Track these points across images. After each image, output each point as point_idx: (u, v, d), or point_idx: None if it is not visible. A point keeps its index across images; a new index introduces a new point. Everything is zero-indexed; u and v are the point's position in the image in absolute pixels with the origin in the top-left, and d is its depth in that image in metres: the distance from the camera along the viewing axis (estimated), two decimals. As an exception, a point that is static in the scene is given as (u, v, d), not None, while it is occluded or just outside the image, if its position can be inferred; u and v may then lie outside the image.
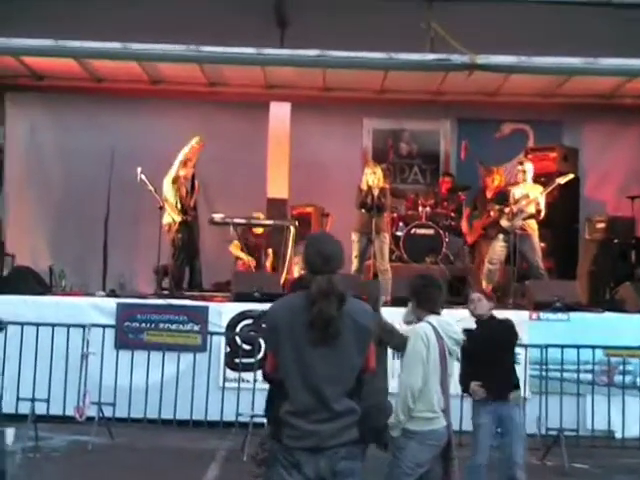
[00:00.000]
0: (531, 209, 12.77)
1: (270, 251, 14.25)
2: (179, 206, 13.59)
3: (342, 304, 4.71)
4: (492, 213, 13.15)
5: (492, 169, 14.01)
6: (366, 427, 4.86)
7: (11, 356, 10.07)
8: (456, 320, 6.47)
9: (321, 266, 4.76)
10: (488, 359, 7.52)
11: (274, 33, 14.81)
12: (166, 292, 13.10)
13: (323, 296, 4.68)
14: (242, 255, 14.07)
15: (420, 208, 14.95)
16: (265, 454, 6.67)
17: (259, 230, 14.15)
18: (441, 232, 14.64)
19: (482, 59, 12.58)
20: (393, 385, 8.57)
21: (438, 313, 6.29)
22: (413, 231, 14.70)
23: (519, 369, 10.85)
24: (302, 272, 13.42)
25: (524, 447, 7.74)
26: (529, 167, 13.14)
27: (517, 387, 7.78)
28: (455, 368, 6.53)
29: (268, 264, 14.20)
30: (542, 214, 12.76)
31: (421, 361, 6.00)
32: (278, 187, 14.64)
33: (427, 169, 16.76)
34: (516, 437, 7.58)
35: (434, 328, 6.12)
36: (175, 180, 13.57)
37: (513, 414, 7.61)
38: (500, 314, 11.39)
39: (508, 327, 7.92)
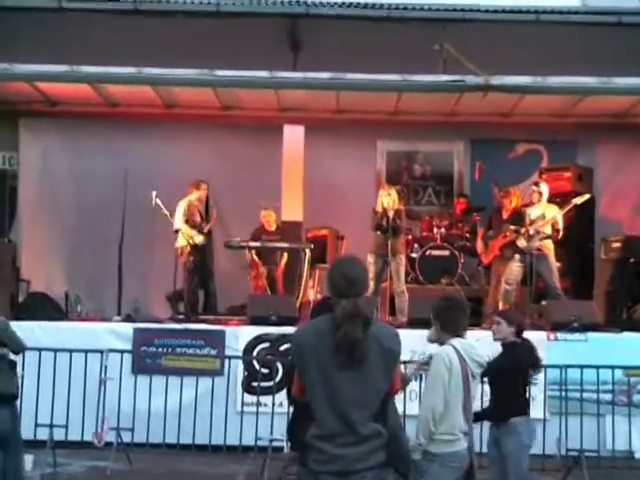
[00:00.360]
0: (548, 229, 12.78)
1: (282, 273, 14.28)
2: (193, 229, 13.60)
3: (367, 327, 4.71)
4: (508, 234, 13.14)
5: (509, 190, 14.01)
6: (393, 451, 4.87)
7: (29, 382, 10.04)
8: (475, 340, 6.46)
9: (346, 289, 4.77)
10: (503, 383, 7.48)
11: (287, 56, 14.88)
12: (182, 317, 13.12)
13: (348, 319, 4.68)
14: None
15: (435, 229, 14.98)
16: (290, 478, 6.70)
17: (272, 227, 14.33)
18: (456, 253, 14.66)
19: (496, 80, 12.61)
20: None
21: (462, 336, 6.27)
22: (428, 252, 14.72)
23: (537, 390, 10.99)
24: (319, 295, 13.58)
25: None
26: (544, 188, 13.15)
27: (522, 413, 7.53)
28: (478, 391, 6.49)
29: (279, 286, 14.23)
30: (560, 234, 12.76)
31: (442, 384, 5.98)
32: (293, 210, 14.69)
33: (441, 190, 16.78)
34: (502, 467, 7.45)
35: (457, 351, 6.09)
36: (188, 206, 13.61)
37: (505, 440, 7.45)
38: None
39: (529, 349, 7.85)
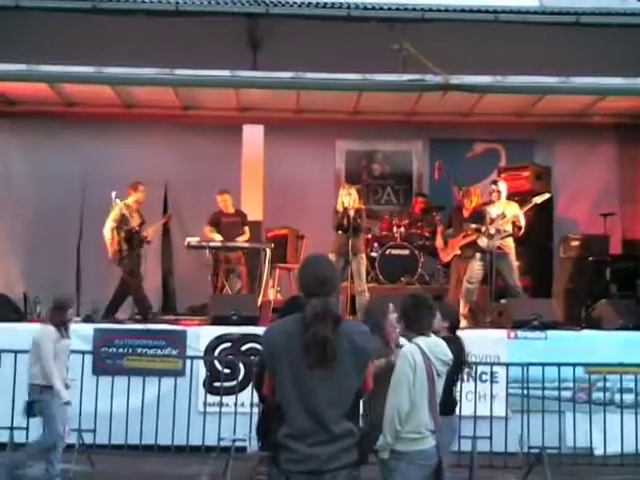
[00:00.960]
0: (509, 228, 12.85)
1: (244, 272, 14.22)
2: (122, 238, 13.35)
3: (337, 326, 4.73)
4: (469, 233, 13.20)
5: (469, 190, 14.05)
6: (365, 449, 4.88)
7: (-12, 384, 9.96)
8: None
9: (316, 288, 4.80)
10: None
11: (247, 55, 14.85)
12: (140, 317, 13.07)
13: (318, 319, 4.71)
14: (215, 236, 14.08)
15: (395, 229, 15.05)
16: (260, 478, 6.69)
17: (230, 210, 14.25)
18: (416, 252, 14.74)
19: (456, 79, 12.65)
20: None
21: (427, 334, 6.29)
22: (388, 252, 14.78)
23: (498, 388, 11.07)
24: (279, 295, 13.54)
25: None
26: (502, 186, 13.22)
27: (446, 413, 7.14)
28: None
29: (240, 285, 14.17)
30: (522, 231, 12.84)
31: (407, 383, 6.00)
32: (253, 209, 14.67)
33: (400, 190, 16.85)
34: None
35: (421, 350, 6.12)
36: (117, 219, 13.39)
37: None
38: (478, 333, 11.67)
39: (459, 347, 7.80)
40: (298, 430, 4.69)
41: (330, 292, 4.84)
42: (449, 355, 6.26)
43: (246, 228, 14.13)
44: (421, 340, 6.18)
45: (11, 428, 10.38)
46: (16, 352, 10.77)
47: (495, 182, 13.56)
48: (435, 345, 6.23)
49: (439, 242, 14.25)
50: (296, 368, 4.69)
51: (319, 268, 4.89)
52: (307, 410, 4.68)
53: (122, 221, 13.26)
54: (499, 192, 13.08)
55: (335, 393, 4.70)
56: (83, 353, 11.09)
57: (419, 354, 6.07)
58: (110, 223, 13.23)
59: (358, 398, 4.93)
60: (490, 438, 10.60)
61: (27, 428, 10.50)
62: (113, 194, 13.23)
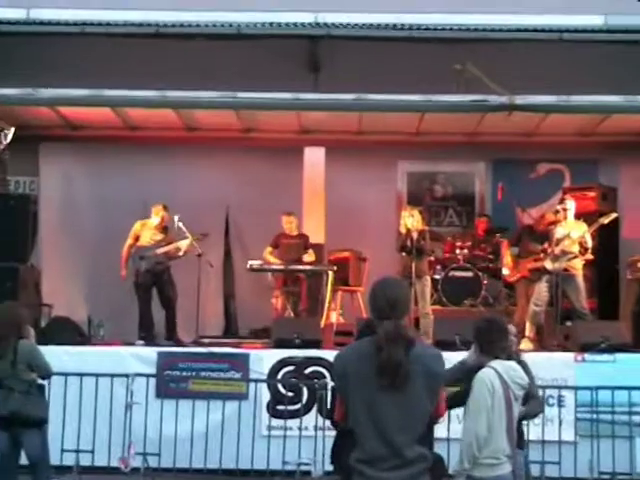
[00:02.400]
0: (575, 249, 12.71)
1: (305, 295, 14.20)
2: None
3: (410, 349, 4.69)
4: (542, 256, 12.98)
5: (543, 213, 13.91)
6: (437, 474, 4.83)
7: (55, 407, 9.99)
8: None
9: (388, 311, 4.76)
10: None
11: (308, 78, 14.87)
12: (206, 340, 13.10)
13: (391, 341, 4.67)
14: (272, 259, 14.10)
15: (457, 250, 14.97)
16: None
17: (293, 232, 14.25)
18: (479, 274, 14.63)
19: (520, 99, 12.55)
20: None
21: (501, 358, 6.22)
22: (451, 274, 14.70)
23: (567, 412, 10.91)
24: (341, 318, 13.52)
25: None
26: (571, 205, 13.05)
27: None
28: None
29: (302, 308, 14.15)
30: (589, 252, 12.69)
31: (485, 408, 5.94)
32: (315, 232, 14.67)
33: (462, 211, 16.75)
34: None
35: (499, 374, 6.05)
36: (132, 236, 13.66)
37: None
38: (544, 356, 11.53)
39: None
40: (370, 455, 4.65)
41: (402, 314, 4.80)
42: (525, 379, 6.19)
43: (309, 251, 14.11)
44: (497, 364, 6.12)
45: (77, 451, 10.45)
46: (81, 375, 10.86)
47: (562, 200, 13.42)
48: (511, 369, 6.17)
49: (506, 260, 14.08)
50: (368, 392, 4.66)
51: (391, 290, 4.85)
52: (379, 434, 4.64)
53: (135, 239, 13.64)
54: (566, 210, 12.93)
55: (407, 417, 4.66)
56: (147, 376, 11.15)
57: (496, 378, 6.01)
58: (127, 241, 13.65)
59: (431, 423, 4.87)
60: (559, 463, 10.47)
61: (93, 451, 10.58)
62: (176, 217, 13.34)
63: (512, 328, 7.78)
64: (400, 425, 4.63)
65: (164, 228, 13.72)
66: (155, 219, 13.68)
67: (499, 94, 12.70)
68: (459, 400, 6.20)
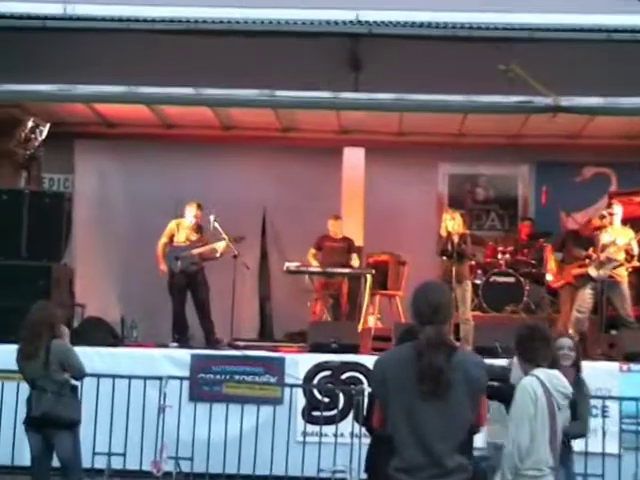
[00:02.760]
0: (621, 256, 12.62)
1: (344, 298, 14.18)
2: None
3: (452, 355, 4.69)
4: (587, 262, 12.90)
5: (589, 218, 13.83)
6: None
7: (87, 409, 10.03)
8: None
9: (430, 316, 4.77)
10: None
11: (348, 76, 14.84)
12: (241, 343, 13.12)
13: (432, 347, 4.67)
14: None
15: (499, 255, 14.89)
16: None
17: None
18: (522, 280, 14.54)
19: (566, 101, 12.47)
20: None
21: (543, 366, 6.18)
22: (492, 279, 14.63)
23: (611, 423, 10.81)
24: (379, 322, 13.49)
25: None
26: (618, 210, 12.96)
27: None
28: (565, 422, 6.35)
29: (341, 312, 14.13)
30: (635, 260, 12.60)
31: (528, 418, 5.90)
32: (353, 234, 14.64)
33: (505, 215, 16.68)
34: None
35: (541, 383, 6.02)
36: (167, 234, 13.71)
37: None
38: (588, 365, 11.38)
39: None
40: (409, 463, 4.65)
41: (445, 320, 4.82)
42: (569, 388, 6.14)
43: (354, 255, 14.09)
44: (540, 372, 6.08)
45: (109, 454, 10.50)
46: (114, 377, 10.92)
47: (610, 205, 13.34)
48: (555, 377, 6.12)
49: (550, 266, 13.97)
50: (408, 399, 4.67)
51: (434, 295, 4.86)
52: (418, 443, 4.64)
53: (170, 237, 13.68)
54: (612, 215, 12.84)
55: (448, 425, 4.66)
56: (180, 379, 11.20)
57: (539, 387, 5.96)
58: (162, 239, 13.71)
59: (471, 432, 4.85)
60: (602, 476, 10.38)
61: (124, 454, 10.63)
62: (211, 217, 13.38)
63: (567, 341, 7.72)
64: (440, 433, 4.64)
65: (199, 227, 13.75)
66: (190, 218, 13.71)
67: (544, 95, 12.62)
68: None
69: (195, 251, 13.50)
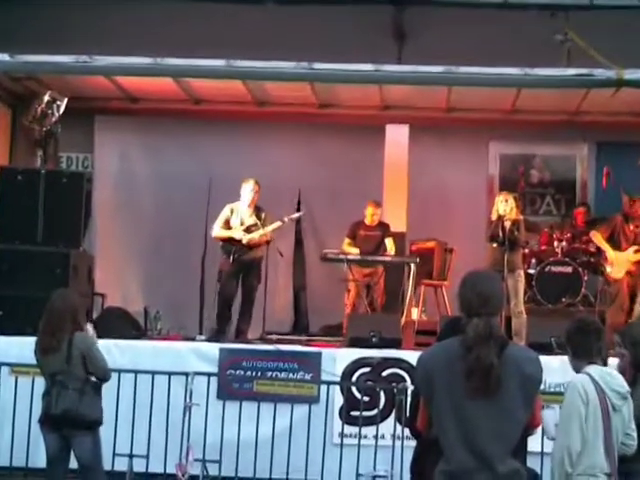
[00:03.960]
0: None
1: (384, 289, 14.13)
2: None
3: (503, 350, 4.67)
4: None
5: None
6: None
7: (107, 406, 10.07)
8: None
9: (479, 307, 4.75)
10: None
11: (391, 48, 14.88)
12: (274, 337, 13.12)
13: (482, 341, 4.66)
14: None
15: (555, 243, 14.77)
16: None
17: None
18: (580, 270, 14.43)
19: (630, 74, 12.36)
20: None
21: (597, 363, 6.14)
22: (548, 269, 14.53)
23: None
24: (424, 315, 13.44)
25: None
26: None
27: None
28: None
29: (378, 304, 14.09)
30: None
31: (579, 418, 5.86)
32: (396, 219, 14.61)
33: (562, 199, 16.57)
34: None
35: (594, 381, 5.97)
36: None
37: None
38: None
39: None
40: (458, 467, 4.64)
41: (495, 312, 4.80)
42: (626, 387, 6.09)
43: (388, 242, 13.97)
44: (592, 369, 6.04)
45: (130, 456, 10.52)
46: (136, 372, 10.96)
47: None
48: (609, 375, 6.08)
49: (610, 255, 13.79)
50: (456, 397, 4.66)
51: (483, 284, 4.84)
52: (468, 445, 4.62)
53: (226, 223, 13.47)
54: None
55: (500, 426, 4.64)
56: (208, 375, 11.21)
57: (591, 385, 5.93)
58: (215, 227, 13.53)
59: (525, 434, 4.83)
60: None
61: (147, 456, 10.66)
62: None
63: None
64: (492, 435, 4.62)
65: (257, 209, 13.54)
66: (246, 200, 13.48)
67: (606, 67, 12.53)
68: None
69: (245, 239, 13.33)
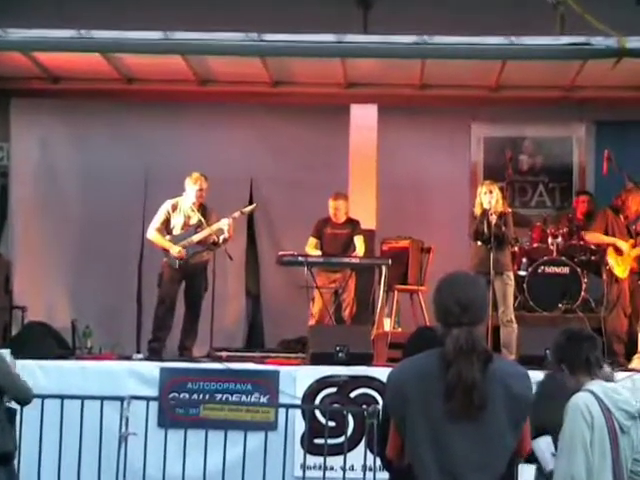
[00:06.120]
0: None
1: (352, 296, 14.16)
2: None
3: (488, 365, 4.69)
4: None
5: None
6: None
7: (29, 437, 10.08)
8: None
9: (458, 316, 4.78)
10: None
11: (355, 16, 14.87)
12: (223, 353, 13.12)
13: (462, 355, 4.70)
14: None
15: (550, 239, 14.83)
16: None
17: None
18: (578, 270, 14.51)
19: (634, 42, 12.45)
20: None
21: (598, 376, 6.17)
22: (541, 269, 14.58)
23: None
24: (396, 326, 13.47)
25: None
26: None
27: None
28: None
29: (347, 313, 14.12)
30: None
31: (582, 443, 5.88)
32: (363, 215, 14.59)
33: (556, 188, 16.68)
34: None
35: (598, 399, 5.99)
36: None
37: None
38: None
39: None
40: (435, 501, 4.65)
41: (477, 320, 4.84)
42: (635, 405, 6.12)
43: (357, 240, 13.96)
44: (595, 386, 6.06)
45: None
46: (63, 397, 10.93)
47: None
48: (614, 392, 6.11)
49: (622, 245, 13.75)
50: (432, 420, 4.69)
51: (463, 289, 4.88)
52: (445, 475, 4.66)
53: (165, 223, 13.35)
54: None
55: (484, 454, 4.68)
56: (147, 399, 11.20)
57: (595, 405, 5.94)
58: (152, 225, 13.39)
59: (512, 462, 4.85)
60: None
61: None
62: None
63: None
64: (474, 464, 4.66)
65: (202, 207, 13.45)
66: (191, 196, 13.39)
67: (605, 35, 12.61)
68: None
69: (195, 237, 13.28)
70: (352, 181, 14.98)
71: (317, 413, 11.50)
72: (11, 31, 12.75)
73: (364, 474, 10.72)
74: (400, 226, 15.03)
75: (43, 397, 10.71)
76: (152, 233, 13.32)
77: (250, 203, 15.05)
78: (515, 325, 12.99)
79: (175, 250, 13.02)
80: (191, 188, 13.24)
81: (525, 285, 14.47)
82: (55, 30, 12.85)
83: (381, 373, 11.25)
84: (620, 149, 15.13)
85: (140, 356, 13.07)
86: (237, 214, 13.40)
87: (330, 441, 11.19)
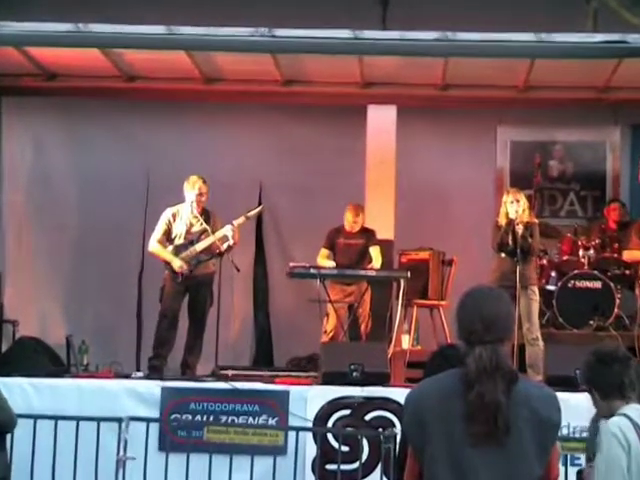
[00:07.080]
0: None
1: (367, 311, 14.17)
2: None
3: (513, 386, 4.70)
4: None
5: None
6: None
7: (20, 461, 10.10)
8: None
9: (482, 334, 4.80)
10: None
11: (374, 11, 14.89)
12: (229, 372, 13.12)
13: (486, 375, 4.70)
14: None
15: (581, 251, 14.84)
16: None
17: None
18: (611, 285, 14.50)
19: (671, 40, 12.49)
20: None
21: (633, 400, 6.17)
22: (571, 284, 14.58)
23: None
24: (416, 343, 13.48)
25: None
26: None
27: None
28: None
29: (362, 330, 14.13)
30: None
31: (620, 471, 5.88)
32: (381, 224, 14.60)
33: (588, 196, 16.68)
34: None
35: (633, 423, 6.00)
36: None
37: None
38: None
39: None
40: (455, 532, 4.67)
41: (502, 338, 4.85)
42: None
43: (373, 251, 13.96)
44: (629, 409, 6.06)
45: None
46: (57, 418, 10.94)
47: None
48: (651, 415, 6.12)
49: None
50: (453, 445, 4.70)
51: (487, 304, 4.90)
52: (467, 504, 4.66)
53: (166, 232, 13.39)
54: None
55: (507, 480, 4.66)
56: (147, 421, 11.22)
57: (632, 430, 5.94)
58: (154, 236, 13.45)
59: (540, 492, 4.87)
60: None
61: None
62: None
63: None
64: (497, 492, 4.64)
65: (205, 213, 13.47)
66: (191, 202, 13.39)
67: (640, 32, 12.65)
68: None
69: (198, 247, 13.30)
70: (368, 188, 14.95)
71: (329, 437, 11.48)
72: (3, 24, 12.79)
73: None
74: (420, 236, 15.06)
75: (35, 418, 10.75)
76: (154, 245, 13.39)
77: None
78: (541, 343, 12.98)
79: (177, 265, 13.09)
80: (190, 193, 13.30)
81: (554, 300, 14.47)
82: (51, 23, 12.87)
83: (398, 394, 11.23)
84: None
85: (140, 374, 13.08)
86: (242, 219, 13.41)
87: (343, 467, 11.16)
